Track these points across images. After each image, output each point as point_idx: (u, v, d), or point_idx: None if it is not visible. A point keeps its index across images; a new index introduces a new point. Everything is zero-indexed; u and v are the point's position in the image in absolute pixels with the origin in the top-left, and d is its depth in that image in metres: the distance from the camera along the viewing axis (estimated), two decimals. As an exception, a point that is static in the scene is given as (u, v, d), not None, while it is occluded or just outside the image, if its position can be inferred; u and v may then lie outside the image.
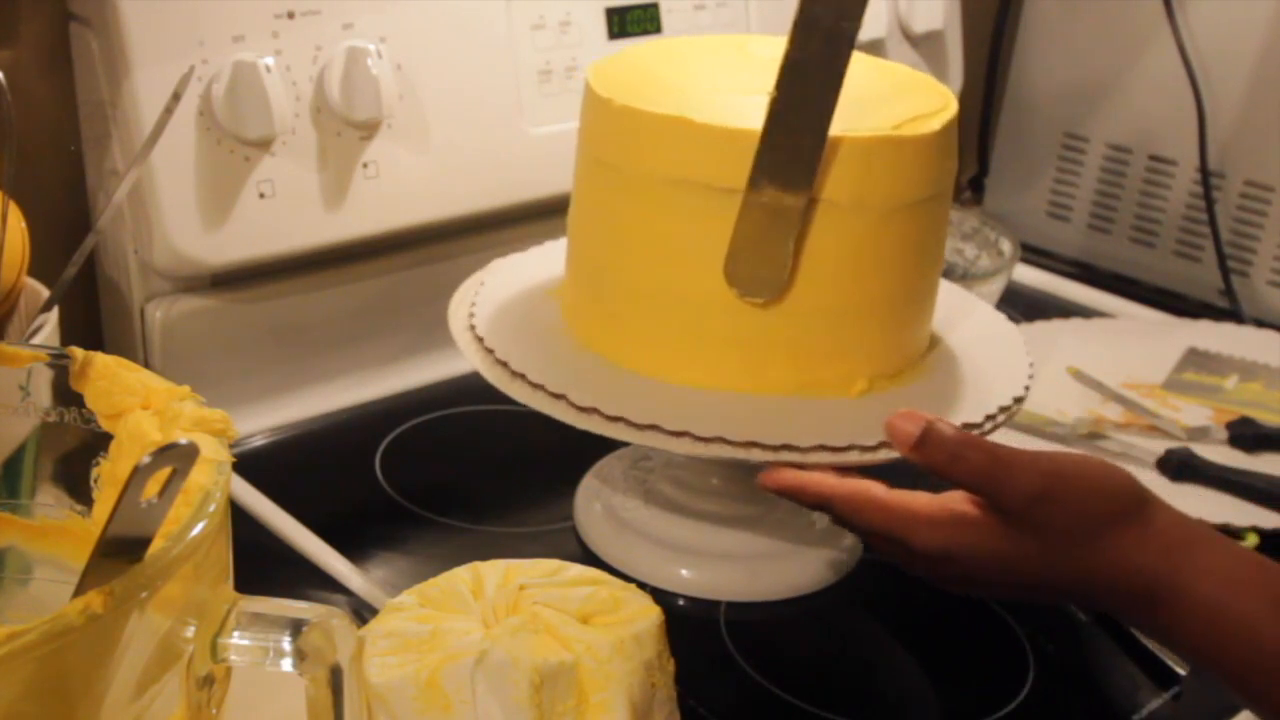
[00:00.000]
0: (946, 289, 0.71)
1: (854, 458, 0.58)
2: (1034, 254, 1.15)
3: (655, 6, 0.90)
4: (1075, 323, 0.98)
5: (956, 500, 0.55)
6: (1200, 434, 0.84)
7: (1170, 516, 0.54)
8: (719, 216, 0.59)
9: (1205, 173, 1.06)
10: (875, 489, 0.56)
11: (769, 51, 0.69)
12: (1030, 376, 0.67)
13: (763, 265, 0.59)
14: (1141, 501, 0.54)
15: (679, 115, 0.59)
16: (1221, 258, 1.06)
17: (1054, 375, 0.89)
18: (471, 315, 0.68)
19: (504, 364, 0.63)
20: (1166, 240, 1.12)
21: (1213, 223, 1.06)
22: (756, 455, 0.58)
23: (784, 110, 0.57)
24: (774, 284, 0.60)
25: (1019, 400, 0.65)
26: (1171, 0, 1.05)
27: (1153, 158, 1.11)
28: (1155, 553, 0.53)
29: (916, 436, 0.55)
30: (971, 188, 1.25)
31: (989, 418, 0.63)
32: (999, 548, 0.54)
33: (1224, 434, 0.84)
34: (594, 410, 0.59)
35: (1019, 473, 0.53)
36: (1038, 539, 0.54)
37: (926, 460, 0.55)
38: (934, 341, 0.69)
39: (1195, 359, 0.94)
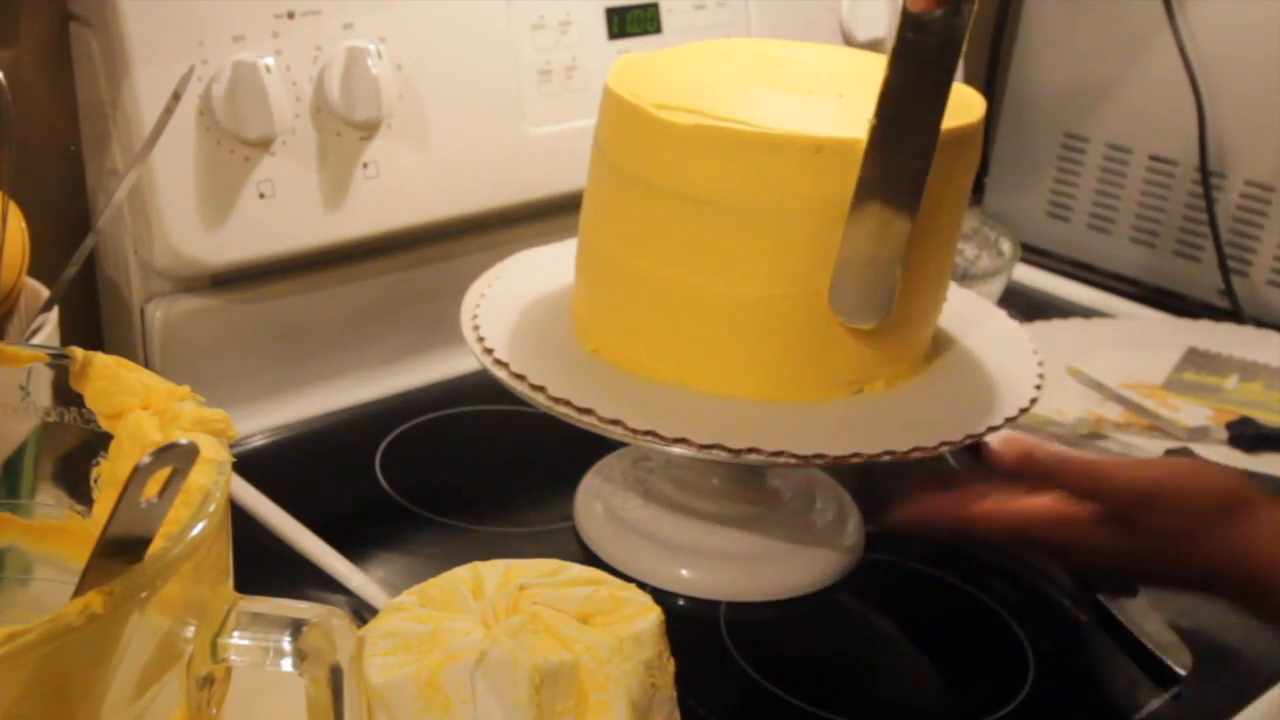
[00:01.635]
0: (952, 289, 0.71)
1: (855, 462, 0.58)
2: (1034, 254, 1.15)
3: (655, 6, 0.89)
4: (1075, 323, 0.98)
5: (1066, 501, 0.61)
6: (1200, 434, 0.84)
7: (1276, 512, 0.59)
8: (748, 227, 0.59)
9: (1205, 173, 1.06)
10: (987, 509, 0.62)
11: (784, 53, 0.69)
12: (1039, 379, 0.67)
13: (870, 291, 0.59)
14: (1246, 498, 0.59)
15: (721, 126, 0.58)
16: (1221, 258, 1.06)
17: (1054, 375, 0.89)
18: (475, 316, 0.68)
19: (506, 365, 0.63)
20: (1166, 240, 1.12)
21: (1213, 223, 1.06)
22: (752, 460, 0.58)
23: (885, 137, 0.56)
24: (882, 309, 0.60)
25: (1033, 401, 0.65)
26: (1171, 0, 1.06)
27: (1153, 158, 1.11)
28: (1259, 542, 0.58)
29: (1015, 464, 0.62)
30: (971, 187, 1.25)
31: (1008, 419, 0.63)
32: (1110, 543, 0.60)
33: (1224, 434, 0.84)
34: (590, 411, 0.60)
35: (1118, 481, 0.60)
36: (1145, 538, 0.59)
37: (1028, 483, 0.62)
38: (938, 345, 0.69)
39: (1195, 359, 0.94)
